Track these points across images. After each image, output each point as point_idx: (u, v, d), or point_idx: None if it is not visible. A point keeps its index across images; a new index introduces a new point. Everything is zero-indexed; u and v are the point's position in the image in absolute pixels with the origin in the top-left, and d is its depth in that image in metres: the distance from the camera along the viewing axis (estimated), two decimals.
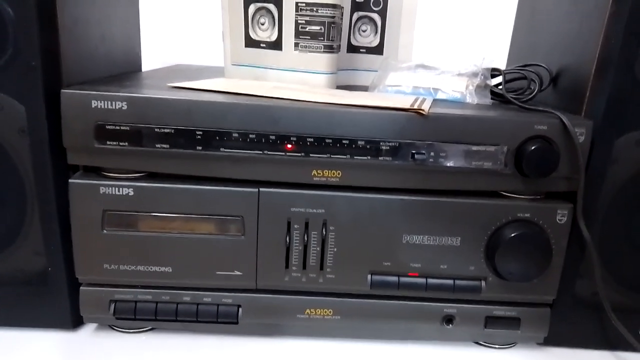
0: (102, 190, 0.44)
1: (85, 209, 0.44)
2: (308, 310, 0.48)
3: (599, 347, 0.50)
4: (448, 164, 0.44)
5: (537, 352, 0.50)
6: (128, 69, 0.61)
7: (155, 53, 0.75)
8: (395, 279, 0.47)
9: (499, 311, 0.48)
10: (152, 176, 0.45)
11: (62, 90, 0.42)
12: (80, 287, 0.47)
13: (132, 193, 0.44)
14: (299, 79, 0.53)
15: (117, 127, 0.42)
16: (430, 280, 0.47)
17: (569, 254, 0.46)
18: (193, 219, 0.45)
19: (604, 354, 0.49)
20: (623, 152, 0.45)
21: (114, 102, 0.42)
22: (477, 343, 0.50)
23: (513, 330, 0.48)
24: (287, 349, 0.48)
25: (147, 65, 0.67)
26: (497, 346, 0.50)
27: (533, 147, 0.42)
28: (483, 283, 0.47)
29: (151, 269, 0.46)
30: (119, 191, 0.44)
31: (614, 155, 0.45)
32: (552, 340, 0.50)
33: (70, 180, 0.44)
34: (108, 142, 0.43)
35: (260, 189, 0.45)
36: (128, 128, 0.42)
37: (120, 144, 0.43)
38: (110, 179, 0.44)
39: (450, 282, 0.47)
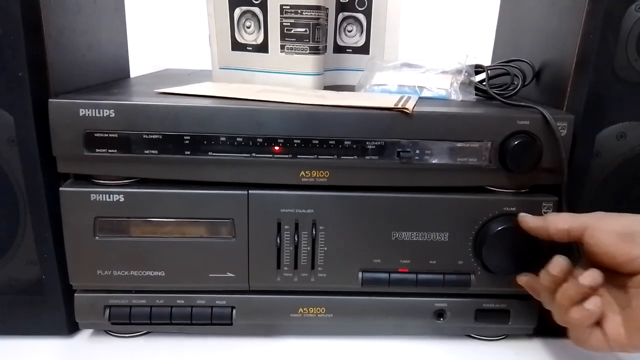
0: (92, 197, 0.45)
1: (77, 216, 0.45)
2: (301, 309, 0.49)
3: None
4: (433, 161, 0.44)
5: (527, 344, 0.51)
6: (116, 75, 0.61)
7: (144, 58, 0.76)
8: (385, 275, 0.48)
9: (489, 304, 0.49)
10: (142, 182, 0.46)
11: (50, 100, 0.42)
12: (75, 294, 0.48)
13: (122, 199, 0.45)
14: (285, 80, 0.54)
15: (106, 135, 0.43)
16: (420, 276, 0.47)
17: (555, 247, 0.47)
18: (184, 222, 0.46)
19: None
20: (605, 145, 0.46)
21: (101, 110, 0.42)
22: (468, 336, 0.51)
23: (503, 322, 0.49)
24: (282, 349, 0.49)
25: (136, 70, 0.68)
26: (488, 339, 0.51)
27: (516, 142, 0.43)
28: (472, 277, 0.48)
29: (145, 273, 0.47)
30: (109, 198, 0.45)
31: (596, 149, 0.46)
32: (542, 331, 0.50)
33: (61, 189, 0.44)
34: (97, 150, 0.43)
35: (250, 192, 0.45)
36: (116, 135, 0.43)
37: (109, 151, 0.43)
38: (100, 186, 0.45)
39: (439, 277, 0.48)
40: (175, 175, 0.45)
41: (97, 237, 0.45)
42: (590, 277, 0.38)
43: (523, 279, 0.45)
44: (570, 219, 0.41)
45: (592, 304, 0.38)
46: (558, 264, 0.40)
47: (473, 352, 0.49)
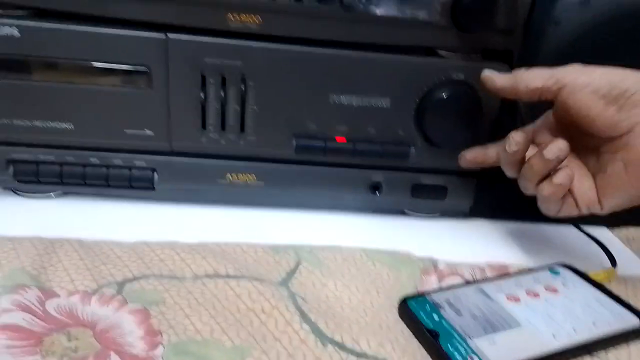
0: None
1: None
2: (229, 175, 0.45)
3: (520, 218, 0.50)
4: (379, 12, 0.39)
5: (462, 223, 0.50)
6: None
7: None
8: (321, 143, 0.44)
9: (426, 179, 0.47)
10: (41, 14, 0.39)
11: None
12: None
13: (16, 34, 0.38)
14: None
15: None
16: (358, 145, 0.44)
17: (499, 120, 0.44)
18: (92, 68, 0.40)
19: (525, 226, 0.50)
20: (566, 13, 0.42)
21: None
22: (403, 212, 0.50)
23: (439, 198, 0.48)
24: (207, 216, 0.46)
25: None
26: (423, 215, 0.50)
27: None
28: (412, 149, 0.45)
29: (50, 124, 0.42)
30: (1, 31, 0.38)
31: (556, 16, 0.42)
32: (477, 210, 0.49)
33: None
34: None
35: (169, 35, 0.39)
36: None
37: None
38: None
39: (378, 147, 0.45)
40: (80, 8, 0.38)
41: None
42: (556, 149, 0.35)
43: (468, 156, 0.43)
44: (545, 75, 0.36)
45: (561, 177, 0.35)
46: (515, 142, 0.36)
47: (407, 228, 0.48)
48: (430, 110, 0.42)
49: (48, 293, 0.33)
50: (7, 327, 0.29)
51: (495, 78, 0.39)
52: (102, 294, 0.33)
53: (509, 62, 0.42)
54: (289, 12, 0.39)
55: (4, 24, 0.38)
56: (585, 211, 0.37)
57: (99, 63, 0.40)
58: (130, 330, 0.30)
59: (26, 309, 0.31)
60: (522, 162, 0.37)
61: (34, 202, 0.45)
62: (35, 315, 0.30)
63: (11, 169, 0.43)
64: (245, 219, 0.46)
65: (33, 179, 0.44)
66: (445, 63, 0.42)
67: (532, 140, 0.37)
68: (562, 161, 0.36)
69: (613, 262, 0.44)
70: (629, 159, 0.35)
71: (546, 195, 0.36)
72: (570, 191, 0.37)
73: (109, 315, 0.31)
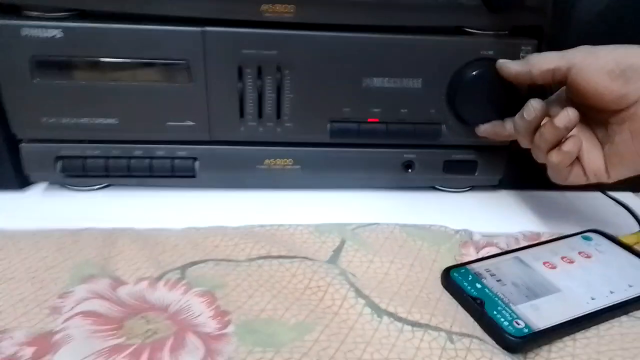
0: (25, 32, 0.39)
1: (8, 55, 0.40)
2: (267, 161, 0.47)
3: (548, 187, 0.52)
4: None
5: (492, 194, 0.52)
6: None
7: None
8: (355, 125, 0.46)
9: (457, 155, 0.48)
10: (82, 15, 0.40)
11: None
12: (20, 144, 0.44)
13: (61, 35, 0.40)
14: None
15: None
16: (391, 126, 0.46)
17: (530, 93, 0.45)
18: (134, 64, 0.41)
19: (554, 194, 0.52)
20: None
21: None
22: (435, 188, 0.52)
23: (470, 173, 0.49)
24: (249, 201, 0.48)
25: None
26: (454, 190, 0.52)
27: None
28: (443, 127, 0.46)
29: (96, 121, 0.43)
30: (45, 33, 0.39)
31: None
32: (507, 182, 0.51)
33: None
34: None
35: (206, 29, 0.41)
36: None
37: None
38: (34, 19, 0.39)
39: (410, 127, 0.46)
40: (121, 7, 0.39)
41: (35, 80, 0.41)
42: (565, 118, 0.37)
43: (483, 128, 0.44)
44: (556, 57, 0.38)
45: (570, 145, 0.38)
46: (533, 109, 0.39)
47: (439, 202, 0.50)
48: (461, 88, 0.44)
49: (117, 281, 0.35)
50: (89, 314, 0.31)
51: (510, 65, 0.41)
52: (168, 279, 0.35)
53: (539, 38, 0.43)
54: (321, 0, 0.40)
55: (48, 27, 0.39)
56: (593, 179, 0.39)
57: (141, 60, 0.41)
58: (201, 311, 0.32)
59: (101, 296, 0.33)
60: (535, 131, 0.39)
61: (82, 195, 0.47)
62: (111, 302, 0.33)
63: (60, 165, 0.45)
64: (285, 201, 0.48)
65: (81, 173, 0.46)
66: (475, 41, 0.43)
67: (547, 113, 0.39)
68: (570, 130, 0.37)
69: None
70: (635, 128, 0.36)
71: (555, 161, 0.38)
72: (578, 160, 0.39)
73: (178, 299, 0.33)
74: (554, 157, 0.38)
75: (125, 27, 0.40)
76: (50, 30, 0.39)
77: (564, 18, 0.43)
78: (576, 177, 0.39)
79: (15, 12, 0.40)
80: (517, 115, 0.40)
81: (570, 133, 0.38)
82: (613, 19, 0.43)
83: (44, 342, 0.30)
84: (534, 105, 0.39)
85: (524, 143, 0.41)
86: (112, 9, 0.40)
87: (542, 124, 0.39)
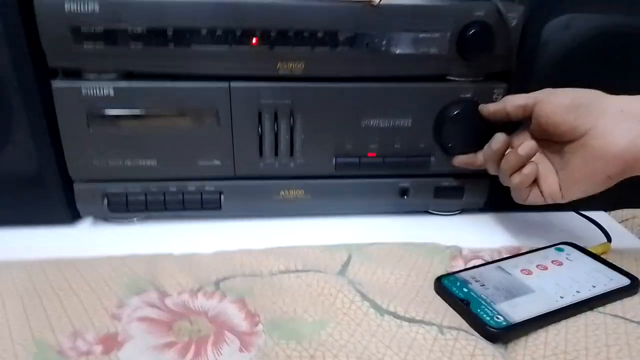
0: (84, 91, 0.48)
1: (70, 110, 0.48)
2: (282, 192, 0.55)
3: (528, 209, 0.59)
4: (398, 51, 0.49)
5: (479, 216, 0.59)
6: None
7: None
8: (356, 160, 0.54)
9: (446, 182, 0.56)
10: (130, 76, 0.49)
11: None
12: (74, 184, 0.52)
13: (112, 93, 0.48)
14: None
15: (92, 29, 0.45)
16: (387, 159, 0.54)
17: (503, 128, 0.53)
18: (171, 114, 0.50)
19: (533, 215, 0.59)
20: (551, 36, 0.51)
21: (86, 5, 0.44)
22: (427, 212, 0.59)
23: (458, 197, 0.57)
24: (267, 227, 0.55)
25: None
26: (445, 213, 0.59)
27: (472, 32, 0.48)
28: (432, 158, 0.54)
29: (138, 163, 0.51)
30: (100, 92, 0.48)
31: (543, 39, 0.51)
32: (491, 205, 0.58)
33: (53, 83, 0.47)
34: (84, 44, 0.46)
35: (231, 83, 0.49)
36: (102, 29, 0.45)
37: (96, 44, 0.46)
38: (90, 80, 0.48)
39: (403, 159, 0.54)
40: (161, 69, 0.48)
41: (91, 130, 0.49)
42: (527, 147, 0.45)
43: (458, 159, 0.53)
44: (524, 96, 0.47)
45: (529, 169, 0.46)
46: (498, 140, 0.47)
47: (432, 224, 0.57)
48: (445, 125, 0.52)
49: (163, 293, 0.42)
50: (144, 319, 0.39)
51: (489, 106, 0.50)
52: (205, 291, 0.42)
53: (507, 81, 0.52)
54: (326, 58, 0.49)
55: (102, 86, 0.48)
56: (549, 200, 0.47)
57: (177, 110, 0.50)
58: (235, 314, 0.39)
59: (152, 305, 0.40)
60: (501, 159, 0.48)
61: (124, 227, 0.55)
62: (160, 309, 0.40)
63: (105, 202, 0.53)
64: (298, 226, 0.55)
65: (124, 208, 0.53)
66: (456, 86, 0.51)
67: (510, 144, 0.47)
68: (531, 158, 0.46)
69: (608, 238, 0.52)
70: (586, 156, 0.44)
71: (516, 182, 0.46)
72: (537, 184, 0.47)
73: (215, 305, 0.40)
74: (516, 179, 0.46)
75: (165, 84, 0.49)
76: (104, 90, 0.48)
77: (528, 65, 0.51)
78: (535, 197, 0.47)
79: (76, 75, 0.49)
80: (485, 146, 0.48)
81: (529, 161, 0.46)
82: (569, 66, 0.51)
83: (110, 341, 0.37)
84: (499, 138, 0.47)
85: (491, 169, 0.49)
86: (154, 70, 0.48)
87: (506, 153, 0.47)
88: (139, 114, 0.49)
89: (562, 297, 0.42)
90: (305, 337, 0.37)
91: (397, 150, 0.54)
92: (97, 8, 0.44)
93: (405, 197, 0.56)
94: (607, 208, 0.61)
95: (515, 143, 0.48)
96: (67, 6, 0.44)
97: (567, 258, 0.48)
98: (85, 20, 0.45)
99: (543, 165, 0.47)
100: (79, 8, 0.44)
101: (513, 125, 0.50)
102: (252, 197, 0.55)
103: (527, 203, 0.48)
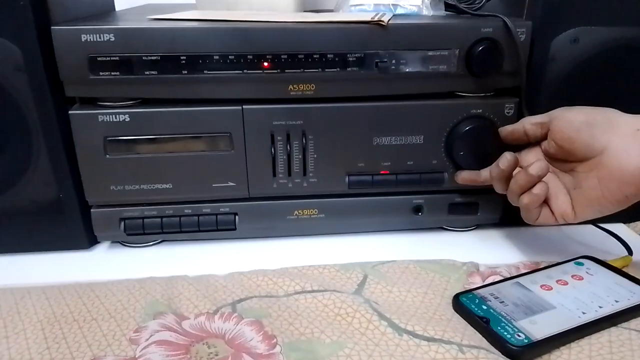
0: (100, 118, 0.49)
1: (87, 137, 0.49)
2: (296, 212, 0.55)
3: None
4: (408, 70, 0.49)
5: (493, 232, 0.58)
6: (103, 8, 0.63)
7: None
8: (369, 177, 0.54)
9: (460, 198, 0.56)
10: (145, 102, 0.50)
11: (53, 27, 0.45)
12: (91, 209, 0.53)
13: (128, 119, 0.49)
14: (267, 4, 0.57)
15: (108, 58, 0.46)
16: (400, 176, 0.54)
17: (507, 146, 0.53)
18: (186, 138, 0.51)
19: (550, 229, 0.58)
20: (560, 50, 0.51)
21: (102, 35, 0.46)
22: (442, 228, 0.59)
23: (472, 214, 0.57)
24: (282, 247, 0.55)
25: (118, 6, 0.70)
26: (460, 230, 0.59)
27: (480, 48, 0.48)
28: (445, 174, 0.54)
29: (154, 186, 0.52)
30: (116, 118, 0.49)
31: (551, 54, 0.51)
32: (506, 220, 0.58)
33: (70, 112, 0.48)
34: (101, 73, 0.47)
35: (244, 107, 0.50)
36: (118, 58, 0.46)
37: (112, 73, 0.47)
38: (107, 108, 0.49)
39: (416, 176, 0.54)
40: (175, 94, 0.49)
41: (107, 156, 0.50)
42: (537, 167, 0.44)
43: (461, 176, 0.52)
44: (541, 115, 0.47)
45: (539, 189, 0.45)
46: (506, 159, 0.46)
47: (447, 241, 0.57)
48: (457, 141, 0.52)
49: (180, 316, 0.42)
50: (162, 342, 0.39)
51: (507, 127, 0.50)
52: (222, 313, 0.42)
53: (518, 96, 0.52)
54: (336, 79, 0.49)
55: (118, 113, 0.49)
56: (560, 221, 0.46)
57: (191, 134, 0.50)
58: (252, 337, 0.39)
59: (170, 328, 0.40)
60: (509, 179, 0.47)
61: (140, 251, 0.55)
62: (177, 333, 0.40)
63: (122, 226, 0.54)
64: (313, 245, 0.55)
65: (140, 231, 0.54)
66: (466, 102, 0.51)
67: (517, 164, 0.47)
68: (542, 178, 0.45)
69: (629, 250, 0.52)
70: (601, 175, 0.43)
71: (526, 202, 0.45)
72: (548, 204, 0.46)
73: (232, 328, 0.40)
74: (526, 199, 0.45)
75: (179, 109, 0.50)
76: (120, 116, 0.49)
77: (537, 79, 0.51)
78: (545, 219, 0.46)
79: (93, 102, 0.50)
80: (493, 165, 0.48)
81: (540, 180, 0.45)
82: (579, 79, 0.52)
83: None
84: (507, 157, 0.46)
85: (498, 188, 0.48)
86: (168, 96, 0.49)
87: (514, 173, 0.46)
88: (154, 138, 0.50)
89: (584, 313, 0.41)
90: (324, 358, 0.37)
91: (409, 167, 0.54)
92: (112, 37, 0.46)
93: (420, 214, 0.56)
94: (625, 220, 0.60)
95: (523, 162, 0.48)
96: (84, 37, 0.46)
97: (587, 272, 0.47)
98: (102, 50, 0.46)
99: (553, 185, 0.47)
100: (95, 38, 0.46)
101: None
102: (266, 217, 0.55)
103: (537, 224, 0.47)
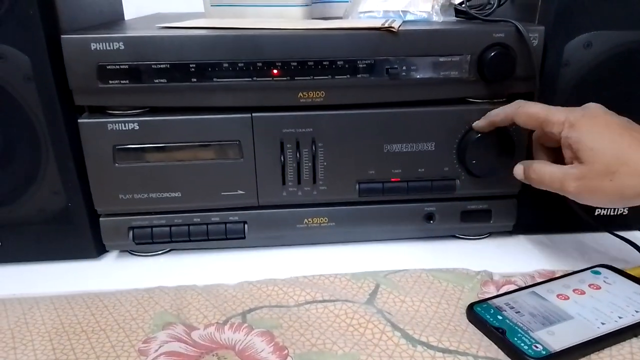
0: (109, 127, 0.49)
1: (96, 146, 0.49)
2: (306, 220, 0.54)
3: (560, 230, 0.57)
4: (418, 76, 0.49)
5: (508, 239, 0.57)
6: (112, 17, 0.63)
7: (133, 4, 0.77)
8: (380, 185, 0.53)
9: (472, 205, 0.55)
10: (154, 111, 0.50)
11: (62, 36, 0.45)
12: (100, 218, 0.53)
13: (137, 127, 0.49)
14: (276, 12, 0.57)
15: (117, 67, 0.46)
16: (411, 183, 0.53)
17: (530, 149, 0.52)
18: (195, 146, 0.50)
19: (565, 237, 0.57)
20: (573, 55, 0.51)
21: (111, 43, 0.46)
22: (454, 236, 0.58)
23: (485, 221, 0.56)
24: (292, 256, 0.54)
25: (127, 15, 0.70)
26: (473, 238, 0.57)
27: (492, 54, 0.48)
28: (457, 182, 0.53)
29: (163, 195, 0.52)
30: (125, 127, 0.49)
31: (565, 58, 0.51)
32: (520, 228, 0.57)
33: (79, 120, 0.48)
34: (110, 81, 0.47)
35: (253, 114, 0.50)
36: (127, 66, 0.46)
37: (121, 82, 0.47)
38: (116, 116, 0.49)
39: (428, 183, 0.53)
40: (184, 103, 0.49)
41: (116, 164, 0.50)
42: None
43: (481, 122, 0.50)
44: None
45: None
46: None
47: (460, 249, 0.56)
48: (468, 148, 0.51)
49: (190, 327, 0.42)
50: (171, 354, 0.38)
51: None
52: (232, 323, 0.42)
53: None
54: (346, 86, 0.49)
55: (127, 122, 0.49)
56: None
57: (200, 142, 0.50)
58: (263, 348, 0.39)
59: (179, 339, 0.40)
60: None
61: (148, 260, 0.55)
62: (187, 344, 0.39)
63: (131, 235, 0.53)
64: (323, 254, 0.55)
65: (149, 240, 0.53)
66: (477, 109, 0.51)
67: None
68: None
69: None
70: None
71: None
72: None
73: (242, 338, 0.40)
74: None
75: (188, 117, 0.49)
76: (129, 124, 0.49)
77: (550, 84, 0.51)
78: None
79: (101, 111, 0.50)
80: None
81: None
82: (590, 85, 0.51)
83: None
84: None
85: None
86: (177, 104, 0.49)
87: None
88: (163, 147, 0.50)
89: (603, 324, 0.40)
90: None
91: (421, 175, 0.53)
92: (122, 46, 0.46)
93: (431, 221, 0.55)
94: None
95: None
96: (93, 45, 0.46)
97: (605, 281, 0.46)
98: (111, 59, 0.46)
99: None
100: (104, 46, 0.46)
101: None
102: (276, 225, 0.54)
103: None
